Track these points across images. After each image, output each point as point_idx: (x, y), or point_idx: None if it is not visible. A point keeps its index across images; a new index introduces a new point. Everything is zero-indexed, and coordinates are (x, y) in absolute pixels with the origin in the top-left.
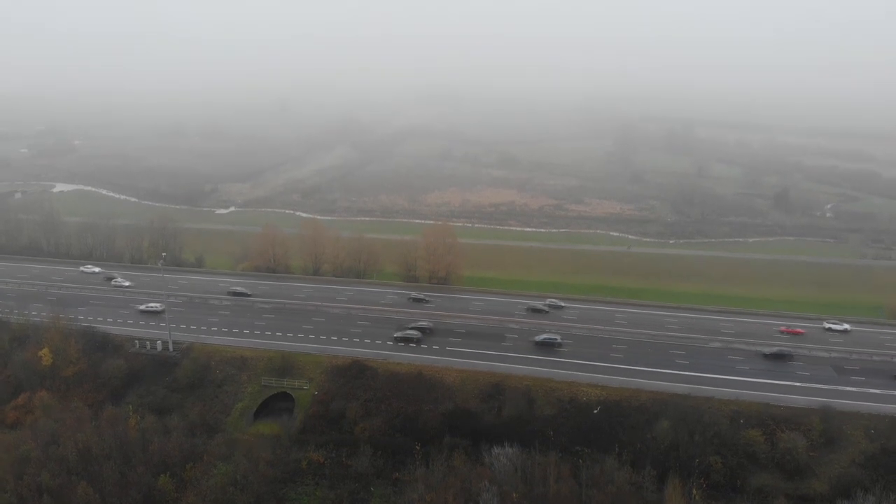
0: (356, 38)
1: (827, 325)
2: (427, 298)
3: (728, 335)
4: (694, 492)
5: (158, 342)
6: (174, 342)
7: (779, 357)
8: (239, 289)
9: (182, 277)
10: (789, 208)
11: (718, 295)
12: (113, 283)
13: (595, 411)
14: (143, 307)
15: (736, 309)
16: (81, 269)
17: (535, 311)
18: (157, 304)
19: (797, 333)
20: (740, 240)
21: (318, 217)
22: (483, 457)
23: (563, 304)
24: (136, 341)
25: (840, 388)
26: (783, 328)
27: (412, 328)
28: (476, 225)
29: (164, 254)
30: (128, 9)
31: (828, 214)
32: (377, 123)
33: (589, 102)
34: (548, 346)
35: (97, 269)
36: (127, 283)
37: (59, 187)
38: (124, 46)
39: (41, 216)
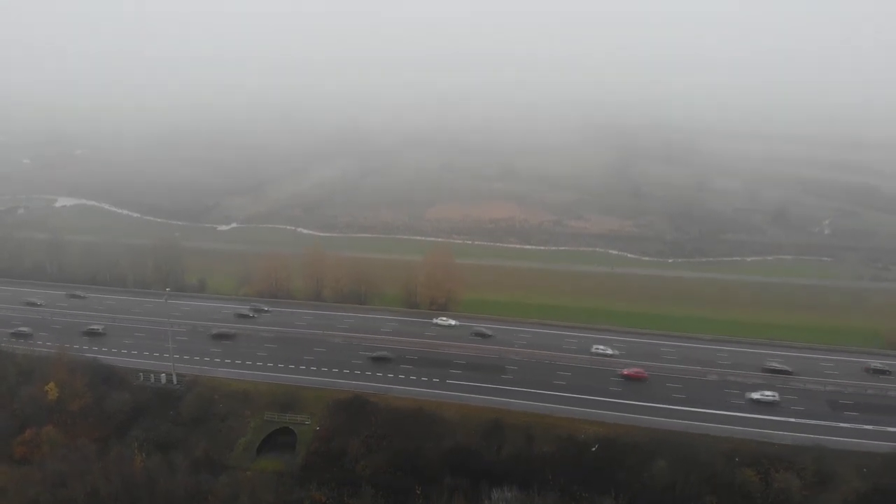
0: (354, 38)
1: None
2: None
3: (724, 366)
4: None
5: (162, 375)
6: (178, 374)
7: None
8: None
9: (185, 304)
10: (787, 225)
11: (717, 319)
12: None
13: (593, 449)
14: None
15: (733, 338)
16: (435, 321)
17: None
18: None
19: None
20: (738, 259)
21: (320, 234)
22: (483, 499)
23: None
24: (141, 374)
25: (834, 424)
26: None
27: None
28: (476, 242)
29: (168, 289)
30: (126, 16)
31: (826, 231)
32: (377, 131)
33: (589, 107)
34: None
35: (453, 322)
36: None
37: (62, 201)
38: (124, 52)
39: (45, 235)
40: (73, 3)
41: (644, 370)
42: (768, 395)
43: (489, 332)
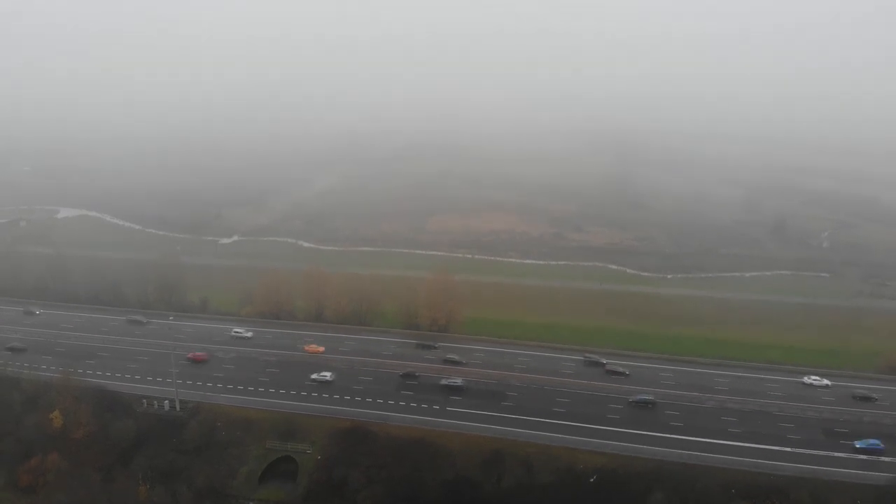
0: (354, 43)
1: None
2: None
3: (722, 392)
4: None
5: (166, 402)
6: (181, 401)
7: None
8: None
9: (188, 325)
10: (786, 238)
11: (715, 339)
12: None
13: (592, 480)
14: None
15: (732, 361)
16: (806, 380)
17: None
18: None
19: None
20: (737, 274)
21: (321, 247)
22: None
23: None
24: (144, 400)
25: (828, 453)
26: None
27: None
28: (477, 256)
29: (171, 317)
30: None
31: (824, 244)
32: (376, 136)
33: (588, 110)
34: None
35: (827, 382)
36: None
37: (63, 212)
38: (123, 55)
39: (47, 249)
40: (71, 8)
41: (206, 353)
42: (326, 375)
43: (875, 396)
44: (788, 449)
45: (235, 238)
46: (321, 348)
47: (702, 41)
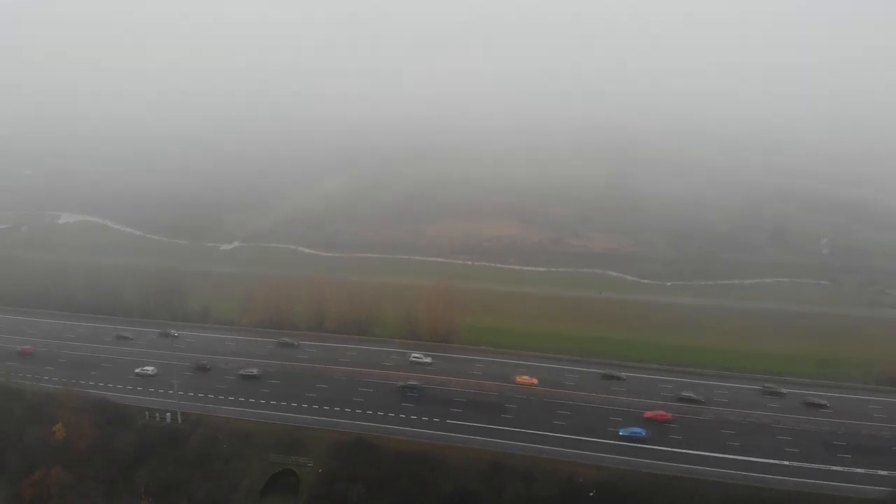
0: (352, 43)
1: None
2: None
3: (720, 404)
4: None
5: (168, 414)
6: (182, 413)
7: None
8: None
9: (189, 335)
10: (786, 243)
11: (715, 349)
12: None
13: (591, 494)
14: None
15: (732, 373)
16: None
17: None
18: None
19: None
20: (737, 282)
21: (321, 253)
22: None
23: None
24: (146, 412)
25: (827, 467)
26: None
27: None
28: (476, 263)
29: (174, 332)
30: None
31: (824, 251)
32: (378, 135)
33: (590, 111)
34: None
35: None
36: None
37: (64, 218)
38: (122, 56)
39: (49, 255)
40: (70, 10)
41: (32, 347)
42: (148, 369)
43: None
44: (787, 462)
45: (236, 244)
46: (535, 380)
47: (702, 23)
